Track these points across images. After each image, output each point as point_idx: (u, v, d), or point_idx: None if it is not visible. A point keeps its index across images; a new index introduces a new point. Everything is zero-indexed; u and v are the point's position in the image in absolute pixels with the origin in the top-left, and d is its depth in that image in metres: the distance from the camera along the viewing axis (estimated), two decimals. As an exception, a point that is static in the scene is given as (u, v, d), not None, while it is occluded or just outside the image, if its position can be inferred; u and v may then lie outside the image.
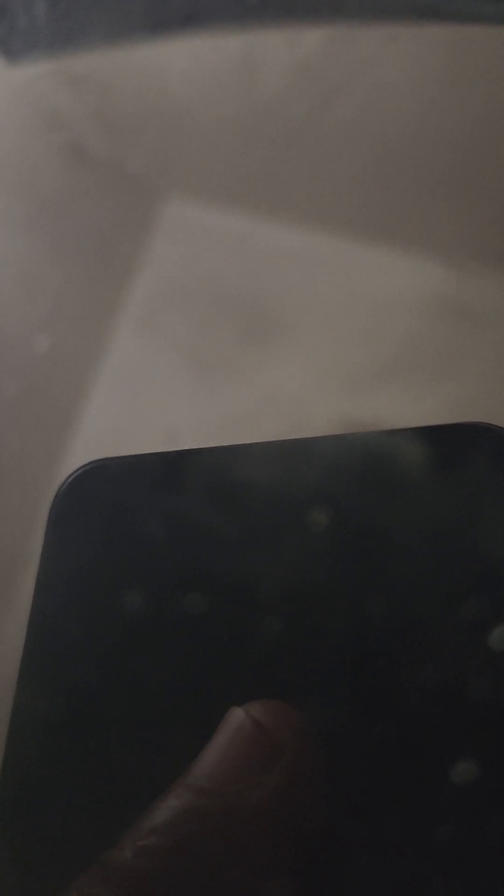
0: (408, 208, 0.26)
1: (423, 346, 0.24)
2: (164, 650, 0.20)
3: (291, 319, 0.25)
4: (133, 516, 0.21)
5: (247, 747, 0.17)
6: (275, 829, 0.17)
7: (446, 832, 0.18)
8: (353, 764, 0.19)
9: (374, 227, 0.26)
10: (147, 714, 0.20)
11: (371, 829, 0.18)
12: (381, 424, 0.23)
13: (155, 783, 0.18)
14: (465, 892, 0.18)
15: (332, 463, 0.21)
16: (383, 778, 0.19)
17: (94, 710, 0.20)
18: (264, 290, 0.25)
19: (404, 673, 0.19)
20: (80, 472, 0.22)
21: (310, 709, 0.18)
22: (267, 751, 0.17)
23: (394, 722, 0.19)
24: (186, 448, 0.21)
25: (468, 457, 0.21)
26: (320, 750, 0.18)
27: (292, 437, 0.21)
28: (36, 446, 0.25)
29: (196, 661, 0.20)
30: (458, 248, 0.25)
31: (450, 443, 0.21)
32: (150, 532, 0.21)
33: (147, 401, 0.25)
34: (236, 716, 0.18)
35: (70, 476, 0.22)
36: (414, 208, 0.26)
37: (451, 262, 0.25)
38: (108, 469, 0.22)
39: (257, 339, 0.25)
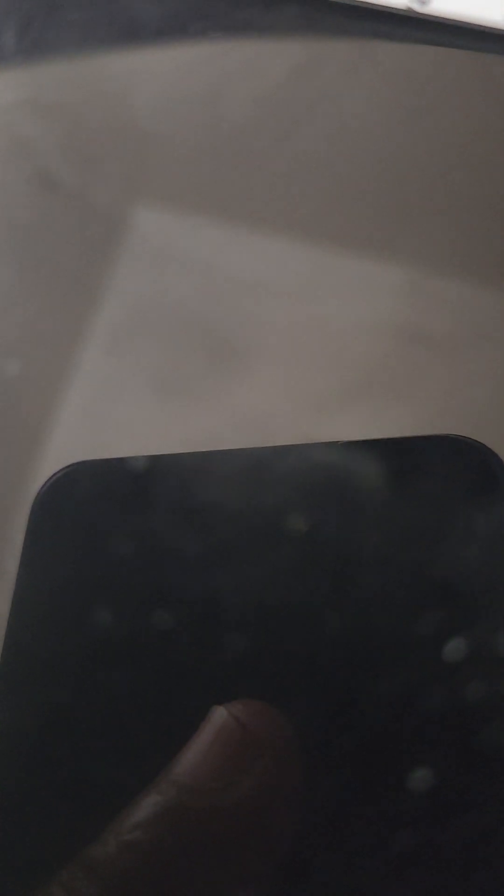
0: (368, 238, 0.26)
1: (384, 368, 0.25)
2: (143, 656, 0.21)
3: (255, 344, 0.25)
4: (113, 520, 0.22)
5: (228, 745, 0.18)
6: (254, 825, 0.17)
7: (417, 834, 0.19)
8: (322, 770, 0.19)
9: (335, 255, 0.26)
10: (129, 714, 0.20)
11: (343, 829, 0.19)
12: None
13: (136, 780, 0.18)
14: (431, 892, 0.19)
15: (309, 471, 0.21)
16: (350, 784, 0.19)
17: (76, 709, 0.20)
18: (229, 315, 0.26)
19: (373, 682, 0.20)
20: (60, 473, 0.22)
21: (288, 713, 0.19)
22: (248, 749, 0.18)
23: (360, 729, 0.20)
24: (163, 453, 0.22)
25: (445, 468, 0.21)
26: (299, 749, 0.18)
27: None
28: (4, 466, 0.26)
29: (173, 666, 0.20)
30: (416, 274, 0.26)
31: (427, 453, 0.21)
32: (131, 537, 0.21)
33: (115, 423, 0.26)
34: (219, 714, 0.18)
35: (52, 477, 0.22)
36: (374, 238, 0.26)
37: (411, 288, 0.25)
38: (89, 471, 0.22)
39: (222, 363, 0.25)
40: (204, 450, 0.24)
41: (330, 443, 0.22)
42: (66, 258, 0.28)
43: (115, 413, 0.26)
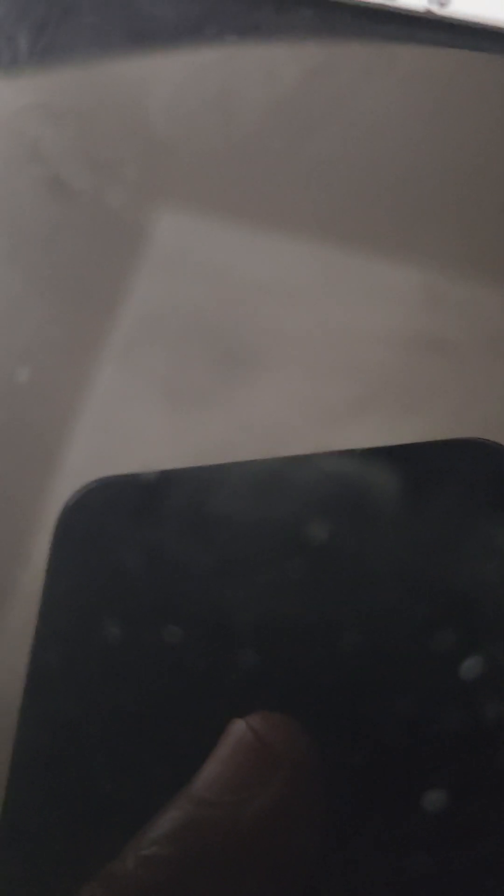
0: (382, 244, 0.26)
1: (396, 378, 0.25)
2: (165, 670, 0.21)
3: (267, 352, 0.25)
4: (137, 536, 0.22)
5: (247, 759, 0.18)
6: (274, 839, 0.17)
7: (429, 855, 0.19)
8: (334, 786, 0.19)
9: (350, 261, 0.26)
10: (150, 728, 0.20)
11: (353, 846, 0.19)
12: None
13: (157, 796, 0.18)
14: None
15: (329, 481, 0.21)
16: (361, 800, 0.19)
17: (98, 724, 0.20)
18: (241, 323, 0.26)
19: (392, 698, 0.20)
20: (85, 489, 0.22)
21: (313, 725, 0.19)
22: (267, 762, 0.17)
23: (373, 745, 0.19)
24: (176, 463, 0.22)
25: (467, 473, 0.21)
26: (319, 762, 0.18)
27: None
28: (15, 476, 0.26)
29: (194, 680, 0.20)
30: (431, 280, 0.25)
31: (449, 458, 0.21)
32: (155, 552, 0.21)
33: (125, 431, 0.26)
34: (237, 728, 0.18)
35: (76, 493, 0.22)
36: (388, 244, 0.26)
37: (425, 294, 0.25)
38: (113, 486, 0.22)
39: (233, 371, 0.25)
40: (216, 458, 0.24)
41: (349, 451, 0.22)
42: (77, 264, 0.28)
43: (126, 422, 0.26)
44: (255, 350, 0.25)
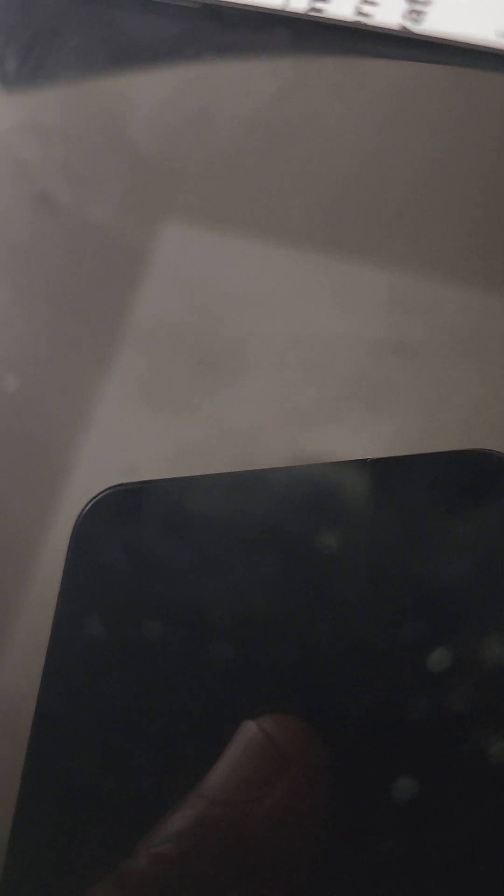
0: (350, 253, 0.27)
1: (366, 382, 0.25)
2: (175, 673, 0.21)
3: (242, 358, 0.26)
4: (152, 542, 0.22)
5: (257, 759, 0.18)
6: (283, 837, 0.18)
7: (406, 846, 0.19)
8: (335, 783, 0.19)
9: (319, 269, 0.27)
10: (162, 729, 0.20)
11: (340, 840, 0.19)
12: (328, 456, 0.24)
13: (169, 795, 0.18)
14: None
15: (339, 490, 0.21)
16: (346, 794, 0.19)
17: (111, 727, 0.21)
18: (217, 329, 0.26)
19: (401, 702, 0.20)
20: (99, 496, 0.22)
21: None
22: (276, 763, 0.18)
23: (378, 742, 0.20)
24: (203, 473, 0.22)
25: (473, 484, 0.21)
26: (327, 762, 0.18)
27: (285, 466, 0.22)
28: (13, 486, 0.26)
29: (205, 682, 0.21)
30: (397, 287, 0.26)
31: (454, 470, 0.21)
32: (172, 556, 0.22)
33: (106, 436, 0.26)
34: (248, 729, 0.18)
35: (91, 500, 0.22)
36: (356, 253, 0.27)
37: (392, 301, 0.26)
38: (126, 493, 0.22)
39: (210, 376, 0.26)
40: (196, 462, 0.24)
41: (358, 460, 0.22)
42: (62, 276, 0.28)
43: (109, 428, 0.26)
44: (230, 356, 0.26)
